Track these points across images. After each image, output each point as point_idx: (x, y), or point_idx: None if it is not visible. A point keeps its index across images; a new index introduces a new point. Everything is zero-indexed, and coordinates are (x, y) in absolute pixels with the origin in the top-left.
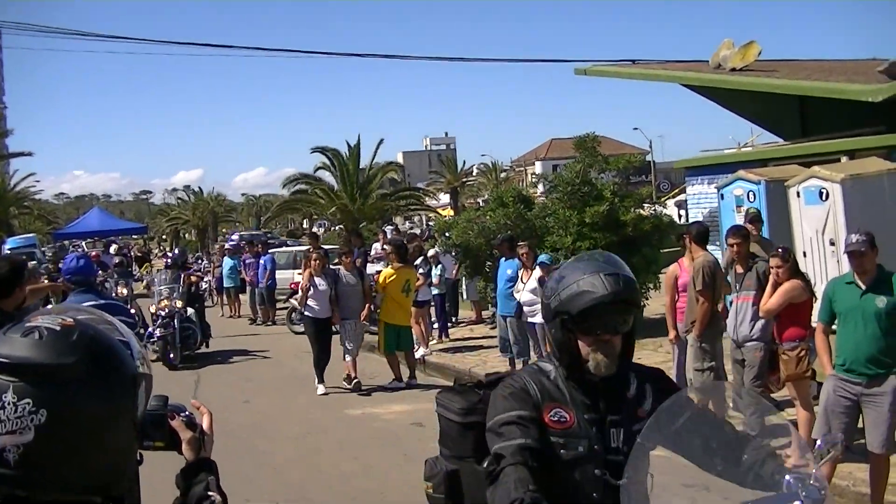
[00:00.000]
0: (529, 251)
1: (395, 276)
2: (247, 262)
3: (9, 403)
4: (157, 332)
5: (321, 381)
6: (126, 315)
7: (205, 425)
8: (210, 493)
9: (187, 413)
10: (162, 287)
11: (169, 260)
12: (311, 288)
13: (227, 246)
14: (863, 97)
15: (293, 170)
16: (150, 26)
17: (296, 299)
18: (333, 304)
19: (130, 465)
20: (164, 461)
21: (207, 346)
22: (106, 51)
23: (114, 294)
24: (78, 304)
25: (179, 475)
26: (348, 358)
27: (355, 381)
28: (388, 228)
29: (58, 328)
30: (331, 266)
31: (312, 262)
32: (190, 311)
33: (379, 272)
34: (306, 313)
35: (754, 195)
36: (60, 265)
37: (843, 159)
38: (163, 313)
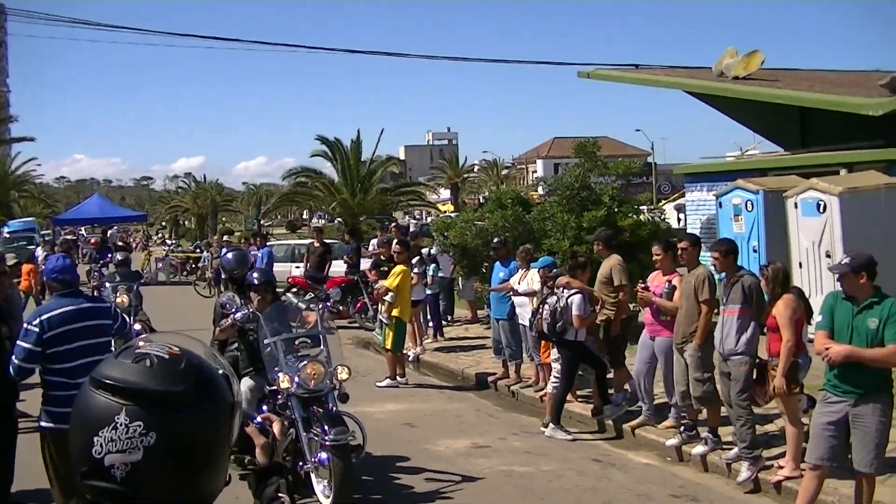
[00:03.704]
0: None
1: (406, 273)
2: (251, 253)
3: (121, 425)
4: None
5: None
6: (116, 320)
7: (276, 432)
8: (280, 495)
9: (258, 420)
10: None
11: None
12: None
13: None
14: (863, 111)
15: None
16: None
17: None
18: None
19: (222, 485)
20: None
21: None
22: (109, 41)
23: (111, 303)
24: (62, 307)
25: (252, 476)
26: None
27: None
28: (392, 225)
29: (167, 356)
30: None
31: None
32: None
33: (377, 269)
34: None
35: (752, 204)
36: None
37: (842, 172)
38: None
